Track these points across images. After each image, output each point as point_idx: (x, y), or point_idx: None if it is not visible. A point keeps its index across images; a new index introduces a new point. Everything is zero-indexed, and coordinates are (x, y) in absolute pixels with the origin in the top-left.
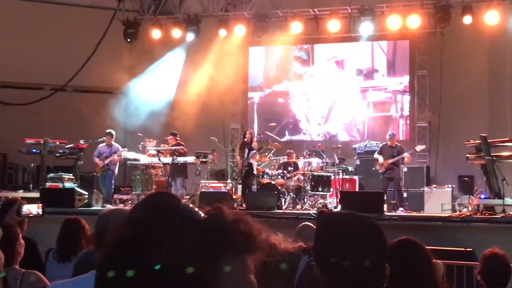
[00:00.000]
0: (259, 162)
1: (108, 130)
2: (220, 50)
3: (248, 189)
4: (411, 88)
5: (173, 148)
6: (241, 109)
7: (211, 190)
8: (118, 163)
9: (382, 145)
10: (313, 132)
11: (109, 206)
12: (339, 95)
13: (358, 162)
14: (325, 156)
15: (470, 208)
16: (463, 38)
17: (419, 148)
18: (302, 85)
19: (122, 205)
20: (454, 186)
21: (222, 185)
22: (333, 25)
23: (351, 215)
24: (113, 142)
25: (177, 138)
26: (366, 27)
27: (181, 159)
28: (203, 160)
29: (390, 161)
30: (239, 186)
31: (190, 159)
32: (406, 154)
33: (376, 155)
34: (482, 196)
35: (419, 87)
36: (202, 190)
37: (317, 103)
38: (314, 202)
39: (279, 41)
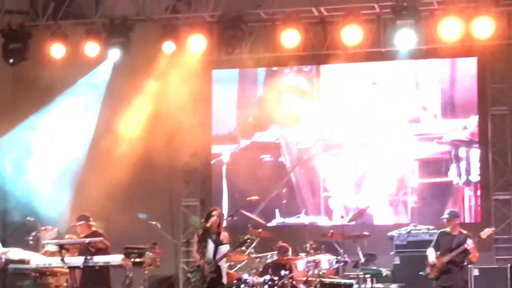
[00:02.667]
0: (232, 263)
1: None
2: (164, 75)
3: None
4: (481, 136)
5: (86, 240)
6: (200, 174)
7: None
8: None
9: (438, 233)
10: (320, 211)
11: None
12: (364, 150)
13: (397, 260)
14: (341, 250)
15: None
16: None
17: (486, 233)
18: (301, 132)
19: None
20: None
21: None
22: (352, 33)
23: None
24: None
25: (91, 223)
26: (405, 37)
27: (99, 260)
28: (137, 260)
29: (445, 258)
30: None
31: (115, 259)
32: (468, 243)
33: (429, 251)
34: None
35: (496, 133)
36: None
37: (327, 163)
38: None
39: (263, 60)
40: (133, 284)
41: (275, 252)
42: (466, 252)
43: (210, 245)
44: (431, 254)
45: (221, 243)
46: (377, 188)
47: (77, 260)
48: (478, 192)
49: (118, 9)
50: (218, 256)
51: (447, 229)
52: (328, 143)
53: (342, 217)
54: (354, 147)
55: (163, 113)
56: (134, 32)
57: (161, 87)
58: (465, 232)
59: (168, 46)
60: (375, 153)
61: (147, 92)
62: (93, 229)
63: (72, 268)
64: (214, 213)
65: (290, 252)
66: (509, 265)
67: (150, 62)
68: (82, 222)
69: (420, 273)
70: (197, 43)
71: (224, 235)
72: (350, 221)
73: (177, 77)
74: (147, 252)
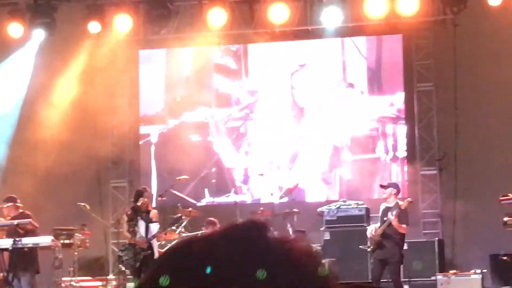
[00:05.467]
0: (163, 241)
1: None
2: (90, 56)
3: None
4: (408, 113)
5: (14, 222)
6: (128, 154)
7: None
8: None
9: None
10: (252, 188)
11: None
12: (291, 127)
13: (327, 236)
14: (272, 228)
15: None
16: (488, 30)
17: (404, 204)
18: (230, 112)
19: None
20: (484, 271)
21: (100, 283)
22: (278, 12)
23: None
24: None
25: (18, 204)
26: (331, 15)
27: (28, 241)
28: (67, 241)
29: (378, 231)
30: (129, 285)
31: (44, 240)
32: (389, 216)
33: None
34: None
35: (422, 110)
36: None
37: (256, 141)
38: None
39: (190, 40)
40: (63, 265)
41: (205, 230)
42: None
43: (141, 223)
44: (369, 228)
45: (151, 221)
46: (309, 165)
47: (5, 242)
48: (405, 168)
49: None
50: (149, 234)
51: (387, 202)
52: (257, 123)
53: (271, 194)
54: (278, 123)
55: (90, 94)
56: (59, 12)
57: (87, 68)
58: (401, 202)
59: (93, 27)
60: (306, 131)
61: (73, 74)
62: (20, 210)
63: (0, 250)
64: (142, 191)
65: (218, 225)
66: (436, 238)
67: (76, 43)
68: (9, 204)
69: (360, 246)
70: (123, 23)
71: (154, 212)
72: (280, 198)
73: (103, 58)
74: (76, 234)
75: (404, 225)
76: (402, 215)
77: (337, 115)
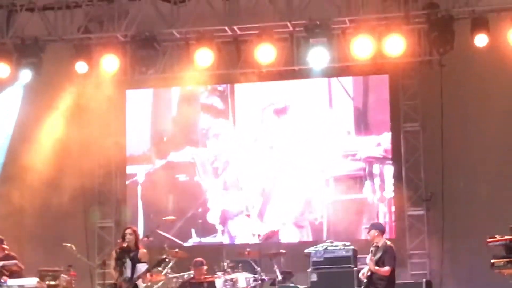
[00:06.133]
0: (149, 283)
1: None
2: (77, 95)
3: None
4: (395, 153)
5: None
6: (115, 194)
7: None
8: None
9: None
10: (238, 229)
11: None
12: (280, 167)
13: (314, 277)
14: (258, 269)
15: None
16: (475, 70)
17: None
18: (216, 151)
19: None
20: None
21: None
22: (265, 52)
23: None
24: None
25: (4, 246)
26: (318, 55)
27: (13, 283)
28: (53, 283)
29: (366, 272)
30: None
31: (30, 282)
32: (367, 260)
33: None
34: None
35: (408, 150)
36: None
37: (244, 182)
38: None
39: (177, 79)
40: None
41: (191, 272)
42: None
43: (128, 263)
44: (363, 270)
45: (139, 261)
46: (283, 209)
47: None
48: (393, 208)
49: (29, 29)
50: (135, 274)
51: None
52: (240, 163)
53: (259, 235)
54: (267, 163)
55: (76, 134)
56: (46, 52)
57: (74, 108)
58: (389, 243)
59: (80, 67)
60: (287, 169)
61: (59, 114)
62: (6, 252)
63: None
64: (127, 231)
65: (205, 266)
66: (424, 280)
67: (63, 83)
68: None
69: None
70: (110, 63)
71: (142, 252)
72: (263, 240)
73: (90, 98)
74: (62, 275)
75: (385, 269)
76: (386, 257)
77: (322, 154)
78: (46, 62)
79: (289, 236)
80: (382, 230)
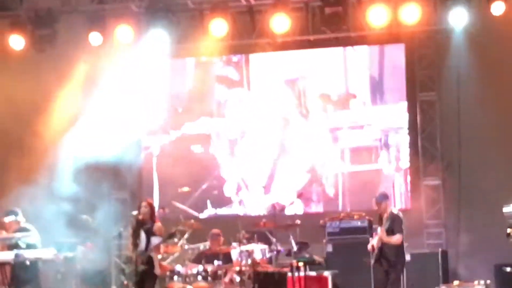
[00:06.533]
0: (165, 255)
1: None
2: (92, 67)
3: None
4: (411, 123)
5: (17, 235)
6: (130, 166)
7: None
8: None
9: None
10: (254, 201)
11: None
12: (292, 140)
13: (330, 248)
14: (274, 240)
15: None
16: (492, 38)
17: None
18: (232, 123)
19: None
20: (489, 282)
21: None
22: (280, 22)
23: None
24: None
25: (19, 218)
26: (334, 25)
27: (30, 254)
28: (70, 254)
29: (377, 243)
30: None
31: (46, 253)
32: (378, 231)
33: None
34: None
35: (425, 120)
36: None
37: (258, 153)
38: None
39: (192, 50)
40: (65, 279)
41: (207, 243)
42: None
43: (143, 236)
44: (371, 241)
45: (154, 234)
46: (299, 180)
47: (7, 256)
48: (408, 179)
49: (43, 0)
50: (150, 247)
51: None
52: (255, 135)
53: (274, 207)
54: (281, 135)
55: (91, 106)
56: (61, 23)
57: (88, 80)
58: (396, 213)
59: (94, 38)
60: (301, 140)
61: (74, 85)
62: (22, 225)
63: (2, 264)
64: (143, 204)
65: (222, 237)
66: (440, 249)
67: (77, 54)
68: (11, 217)
69: (364, 259)
70: (124, 34)
71: (158, 225)
72: (278, 212)
73: (104, 69)
74: (78, 246)
75: (396, 237)
76: (395, 225)
77: (337, 125)
78: (60, 34)
79: (304, 207)
80: (389, 199)
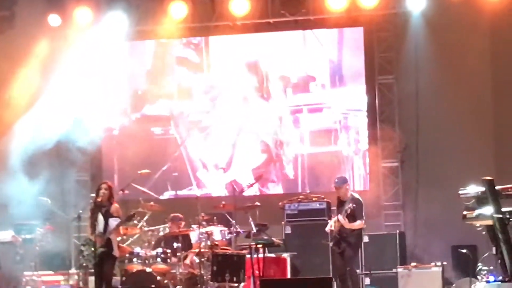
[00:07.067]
0: (124, 237)
1: None
2: (51, 49)
3: (106, 283)
4: (370, 105)
5: None
6: (90, 148)
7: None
8: None
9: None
10: (212, 182)
11: None
12: (252, 120)
13: (288, 229)
14: (234, 221)
15: None
16: (450, 22)
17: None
18: (192, 105)
19: None
20: (445, 263)
21: (62, 277)
22: (239, 4)
23: None
24: None
25: None
26: (293, 8)
27: None
28: (29, 236)
29: (336, 227)
30: (91, 279)
31: (5, 235)
32: (339, 217)
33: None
34: (491, 279)
35: (383, 102)
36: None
37: (218, 135)
38: None
39: (152, 32)
40: (24, 260)
41: (167, 225)
42: (351, 217)
43: (100, 219)
44: (330, 222)
45: (111, 216)
46: (258, 161)
47: None
48: (367, 161)
49: None
50: (108, 229)
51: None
52: (216, 116)
53: (233, 187)
54: (240, 117)
55: (50, 88)
56: (18, 5)
57: (47, 63)
58: (356, 196)
59: (53, 19)
60: (260, 122)
61: (33, 69)
62: None
63: None
64: (102, 186)
65: (183, 224)
66: (397, 231)
67: (36, 36)
68: None
69: (322, 241)
70: (83, 15)
71: (115, 207)
72: (239, 193)
73: (63, 51)
74: (37, 228)
75: (358, 222)
76: (357, 211)
77: (296, 107)
78: (19, 15)
79: (263, 188)
80: (348, 183)
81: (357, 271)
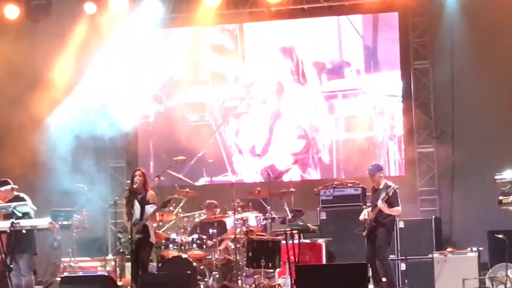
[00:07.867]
0: (160, 223)
1: None
2: (86, 37)
3: (142, 269)
4: (405, 91)
5: (12, 205)
6: (126, 135)
7: (81, 273)
8: None
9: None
10: (249, 169)
11: None
12: (287, 106)
13: (323, 215)
14: (269, 207)
15: (510, 286)
16: (485, 5)
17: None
18: (226, 91)
19: None
20: (481, 248)
21: (99, 263)
22: None
23: None
24: None
25: (14, 187)
26: None
27: (26, 223)
28: (66, 223)
29: (371, 215)
30: (128, 265)
31: (42, 222)
32: (378, 203)
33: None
34: None
35: (419, 88)
36: (66, 274)
37: (253, 121)
38: (254, 285)
39: (187, 20)
40: (61, 246)
41: (203, 211)
42: (388, 204)
43: (137, 206)
44: (363, 212)
45: (147, 203)
46: (299, 146)
47: (3, 225)
48: (402, 146)
49: None
50: (144, 216)
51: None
52: (252, 103)
53: (268, 174)
54: (275, 103)
55: (86, 75)
56: None
57: (83, 50)
58: (390, 184)
59: (89, 7)
60: (295, 108)
61: (68, 57)
62: (16, 193)
63: None
64: (136, 173)
65: (218, 210)
66: (433, 216)
67: (72, 24)
68: (4, 188)
69: (354, 231)
70: (119, 3)
71: (150, 194)
72: (274, 179)
73: (98, 39)
74: (74, 214)
75: (396, 208)
76: (393, 198)
77: (332, 93)
78: (54, 4)
79: (299, 175)
80: (382, 171)
81: (393, 256)
